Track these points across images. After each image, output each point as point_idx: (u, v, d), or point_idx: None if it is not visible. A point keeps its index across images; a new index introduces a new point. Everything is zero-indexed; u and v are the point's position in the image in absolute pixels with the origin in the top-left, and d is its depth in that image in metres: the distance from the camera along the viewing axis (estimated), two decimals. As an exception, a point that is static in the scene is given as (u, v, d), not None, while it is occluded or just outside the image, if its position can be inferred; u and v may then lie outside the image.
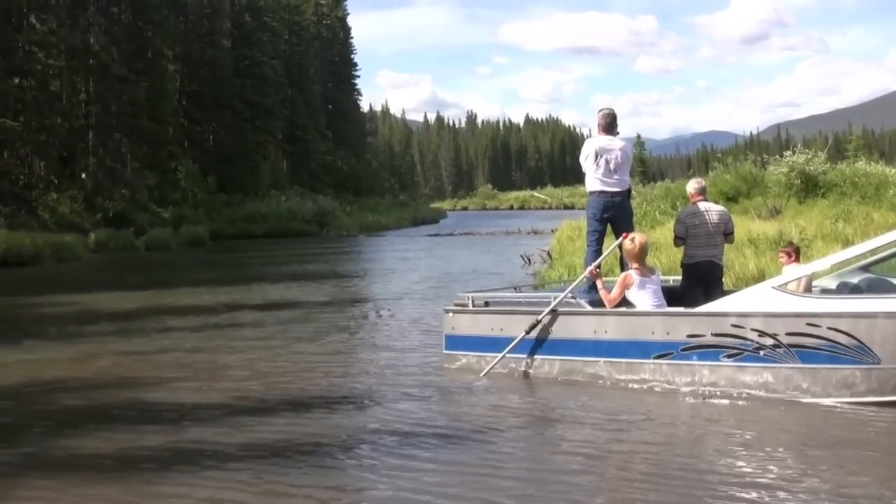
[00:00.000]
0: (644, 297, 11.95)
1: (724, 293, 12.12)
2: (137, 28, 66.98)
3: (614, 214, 13.24)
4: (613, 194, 13.16)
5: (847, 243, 18.81)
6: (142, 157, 64.36)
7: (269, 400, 11.69)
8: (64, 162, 59.63)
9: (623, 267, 12.95)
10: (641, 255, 12.24)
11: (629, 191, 13.67)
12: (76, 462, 9.02)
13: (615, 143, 13.29)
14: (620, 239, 12.41)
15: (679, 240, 13.19)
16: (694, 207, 13.21)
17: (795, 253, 13.43)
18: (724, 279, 13.90)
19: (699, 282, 12.80)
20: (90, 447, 9.53)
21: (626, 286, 12.02)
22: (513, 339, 12.39)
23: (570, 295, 12.36)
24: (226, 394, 12.07)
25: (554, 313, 12.21)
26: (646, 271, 12.23)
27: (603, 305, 12.20)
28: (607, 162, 13.10)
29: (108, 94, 60.61)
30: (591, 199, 13.36)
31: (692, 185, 13.53)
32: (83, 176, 59.90)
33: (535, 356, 12.38)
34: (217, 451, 9.23)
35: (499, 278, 27.29)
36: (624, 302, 12.09)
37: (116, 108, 60.79)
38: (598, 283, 12.36)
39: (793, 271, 11.99)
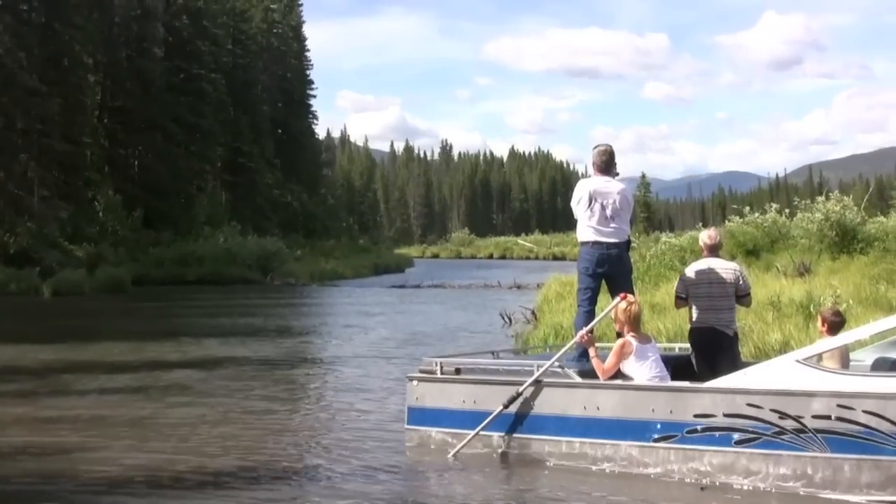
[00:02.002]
0: (644, 369, 11.87)
1: (741, 365, 12.03)
2: (52, 31, 66.82)
3: (610, 269, 13.17)
4: (609, 245, 13.09)
5: (890, 310, 18.84)
6: (52, 185, 64.13)
7: (193, 480, 11.61)
8: (-42, 188, 59.43)
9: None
10: (638, 319, 12.23)
11: (628, 242, 13.63)
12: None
13: (613, 186, 13.24)
14: (617, 300, 12.33)
15: (679, 300, 13.21)
16: (698, 263, 13.25)
17: (839, 323, 12.27)
18: (741, 349, 13.86)
19: (701, 352, 12.82)
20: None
21: (623, 355, 11.95)
22: (487, 413, 12.31)
23: (556, 364, 12.27)
24: (144, 472, 11.97)
25: (537, 384, 12.13)
26: (643, 338, 12.22)
27: (595, 377, 12.17)
28: (603, 208, 13.04)
29: (13, 108, 60.39)
30: (583, 251, 13.30)
31: (703, 238, 13.55)
32: (-20, 204, 59.55)
33: (514, 434, 12.29)
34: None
35: (474, 340, 27.30)
36: (619, 374, 12.04)
37: (23, 124, 60.65)
38: (591, 351, 12.29)
39: (824, 342, 11.89)
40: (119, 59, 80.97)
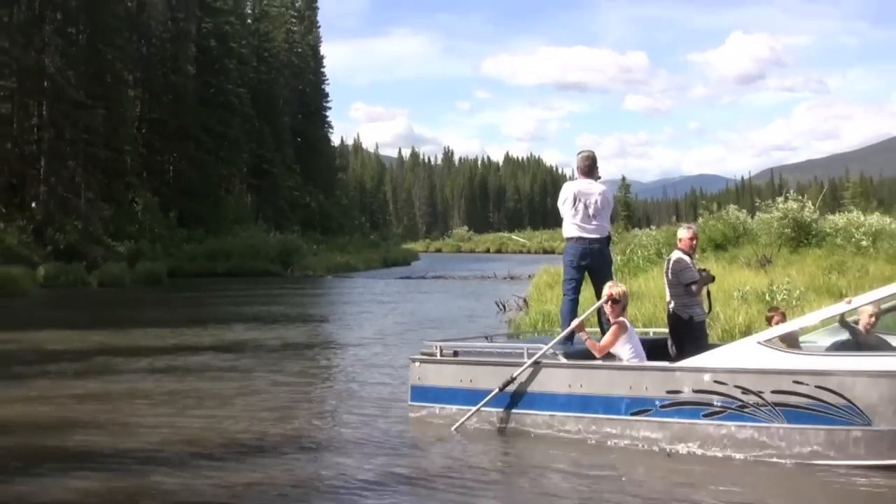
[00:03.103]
0: (627, 349, 11.94)
1: (709, 347, 12.06)
2: (96, 51, 66.66)
3: (592, 262, 13.23)
4: (592, 241, 13.14)
5: (840, 296, 18.83)
6: (97, 188, 64.04)
7: (225, 447, 11.71)
8: (13, 190, 59.40)
9: (601, 319, 12.89)
10: (625, 307, 12.27)
11: (609, 237, 13.64)
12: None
13: (595, 188, 13.27)
14: (603, 299, 12.30)
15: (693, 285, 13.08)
16: (671, 255, 13.28)
17: (782, 316, 13.02)
18: (710, 332, 13.87)
19: (674, 335, 12.89)
20: (38, 493, 9.52)
21: (618, 334, 11.99)
22: (481, 391, 12.36)
23: (552, 351, 12.28)
24: (181, 440, 12.05)
25: (531, 365, 12.19)
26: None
27: (580, 357, 12.20)
28: (586, 207, 13.08)
29: (62, 120, 60.35)
30: (568, 246, 13.36)
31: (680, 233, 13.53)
32: (33, 205, 59.62)
33: (507, 409, 12.33)
34: (173, 498, 9.26)
35: (472, 325, 27.30)
36: (608, 354, 12.06)
37: (71, 134, 60.56)
38: (583, 335, 12.33)
39: (781, 326, 11.92)
40: (155, 76, 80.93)
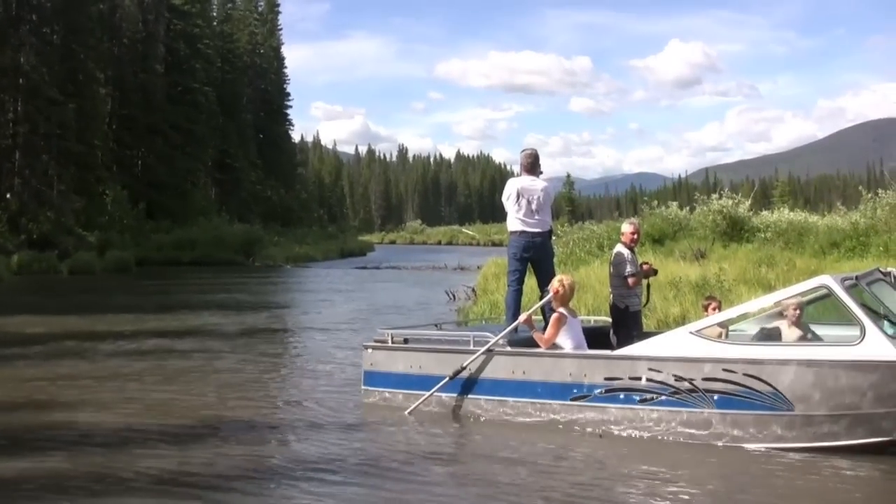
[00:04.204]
0: (567, 340, 11.93)
1: (645, 336, 12.09)
2: (70, 50, 66.29)
3: (535, 254, 13.24)
4: (534, 234, 13.14)
5: (769, 289, 18.92)
6: (69, 180, 63.62)
7: (184, 426, 11.74)
8: (-11, 182, 58.98)
9: (545, 313, 12.88)
10: (569, 297, 12.25)
11: (551, 231, 13.65)
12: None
13: (537, 184, 13.27)
14: (549, 296, 12.28)
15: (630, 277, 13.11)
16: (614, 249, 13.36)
17: (718, 304, 13.27)
18: (644, 322, 13.93)
19: (615, 324, 12.97)
20: (8, 471, 9.50)
21: (559, 326, 11.99)
22: (431, 377, 12.37)
23: (499, 341, 12.26)
24: (137, 423, 11.97)
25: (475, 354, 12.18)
26: (571, 312, 12.25)
27: (523, 346, 12.21)
28: (529, 202, 13.08)
29: (36, 115, 59.98)
30: (512, 239, 13.35)
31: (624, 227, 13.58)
32: (8, 196, 59.14)
33: (457, 394, 12.34)
34: (123, 477, 9.30)
35: (423, 313, 27.29)
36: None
37: (45, 129, 60.23)
38: (529, 326, 12.32)
39: (711, 318, 11.97)
40: (126, 75, 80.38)
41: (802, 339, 11.28)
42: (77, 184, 64.69)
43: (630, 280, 12.83)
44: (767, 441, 10.40)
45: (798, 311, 11.49)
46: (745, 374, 10.40)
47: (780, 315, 11.78)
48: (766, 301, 11.86)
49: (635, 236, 13.40)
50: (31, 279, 44.79)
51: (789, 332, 11.45)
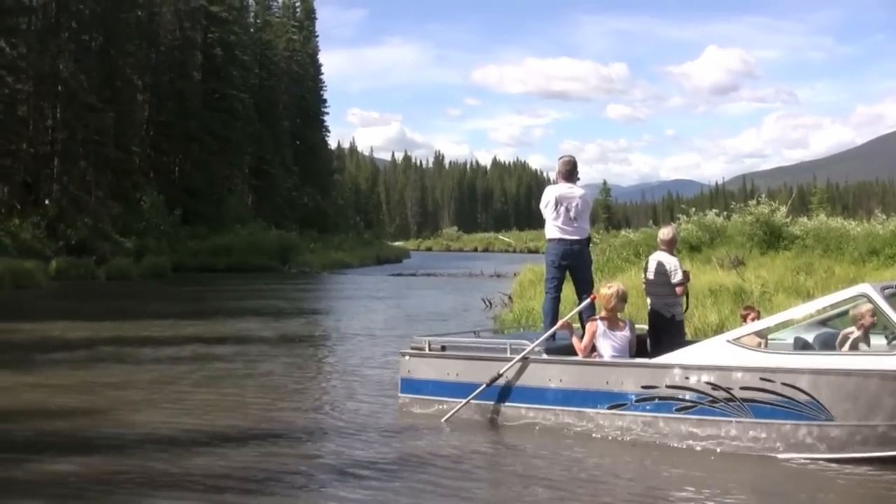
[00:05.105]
0: (606, 347, 11.93)
1: (684, 344, 12.03)
2: (108, 56, 66.70)
3: (573, 262, 13.23)
4: (572, 242, 13.13)
5: (808, 296, 18.85)
6: (106, 186, 64.08)
7: (220, 431, 11.77)
8: (28, 188, 59.36)
9: (582, 320, 12.86)
10: (611, 303, 12.21)
11: (588, 238, 13.63)
12: (34, 491, 9.08)
13: (575, 191, 13.26)
14: (588, 300, 12.30)
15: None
16: (651, 256, 13.31)
17: (757, 314, 13.13)
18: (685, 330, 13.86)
19: (653, 332, 12.89)
20: (49, 477, 9.55)
21: (592, 333, 11.99)
22: (467, 385, 12.35)
23: (536, 348, 12.25)
24: (178, 426, 12.04)
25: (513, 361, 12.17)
26: (615, 321, 12.21)
27: (561, 353, 12.20)
28: (567, 210, 13.07)
29: (75, 121, 60.35)
30: (549, 247, 13.35)
31: (659, 234, 13.59)
32: (47, 202, 59.57)
33: (494, 402, 12.30)
34: (167, 480, 9.37)
35: (459, 320, 27.31)
36: (595, 349, 12.05)
37: (83, 135, 60.55)
38: (568, 333, 12.33)
39: (749, 326, 11.90)
40: (163, 81, 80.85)
41: (855, 349, 11.10)
42: (114, 190, 65.12)
43: (678, 288, 12.82)
44: (805, 451, 10.32)
45: (874, 319, 11.23)
46: (783, 384, 10.33)
47: (819, 324, 11.71)
48: (806, 309, 11.79)
49: (675, 243, 13.41)
50: (68, 285, 45.03)
51: (826, 340, 11.32)
